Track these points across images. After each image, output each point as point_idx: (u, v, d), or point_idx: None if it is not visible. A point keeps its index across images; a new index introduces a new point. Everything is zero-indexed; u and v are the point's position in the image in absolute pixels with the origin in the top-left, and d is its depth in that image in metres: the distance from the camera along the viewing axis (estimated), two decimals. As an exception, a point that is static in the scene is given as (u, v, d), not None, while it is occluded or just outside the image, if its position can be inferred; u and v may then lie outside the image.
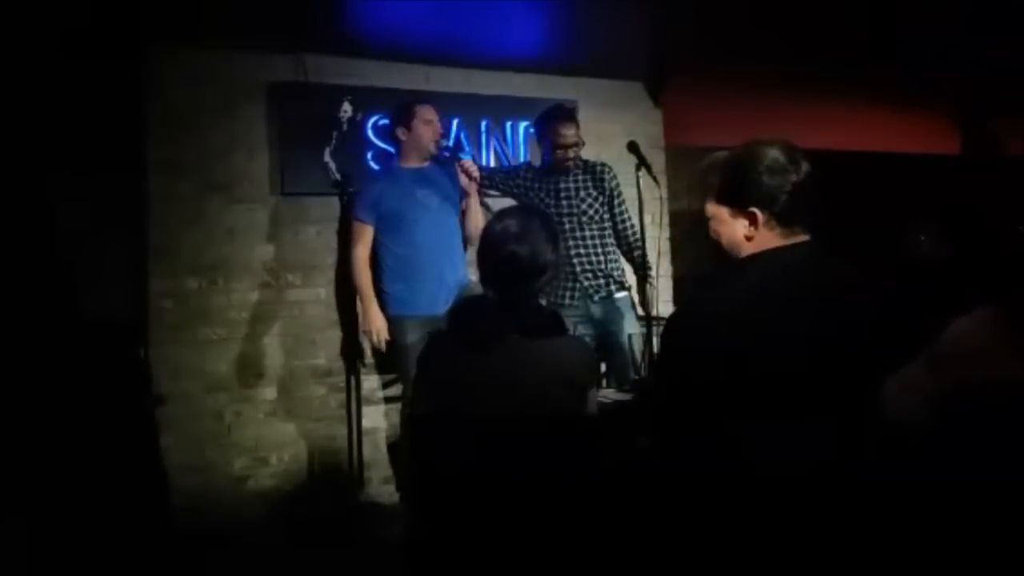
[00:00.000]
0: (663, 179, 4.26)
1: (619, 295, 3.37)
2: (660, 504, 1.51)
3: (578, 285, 3.32)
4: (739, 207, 1.49)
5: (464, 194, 3.38)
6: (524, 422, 1.66)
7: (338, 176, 3.58)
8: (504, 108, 4.03)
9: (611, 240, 3.43)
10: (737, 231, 1.50)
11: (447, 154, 3.39)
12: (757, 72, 4.07)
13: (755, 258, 1.47)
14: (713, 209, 1.54)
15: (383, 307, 3.27)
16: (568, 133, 3.32)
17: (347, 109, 3.66)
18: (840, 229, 2.87)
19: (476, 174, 3.25)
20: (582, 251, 3.34)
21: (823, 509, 1.32)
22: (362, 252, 3.29)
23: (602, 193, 3.40)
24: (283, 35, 3.49)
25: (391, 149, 3.71)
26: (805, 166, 1.46)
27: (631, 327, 3.29)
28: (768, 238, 1.47)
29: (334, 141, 3.64)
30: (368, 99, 3.70)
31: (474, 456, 1.68)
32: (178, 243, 3.42)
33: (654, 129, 4.38)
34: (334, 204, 3.60)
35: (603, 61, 4.09)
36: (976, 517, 1.30)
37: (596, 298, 3.34)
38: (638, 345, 3.24)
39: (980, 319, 1.31)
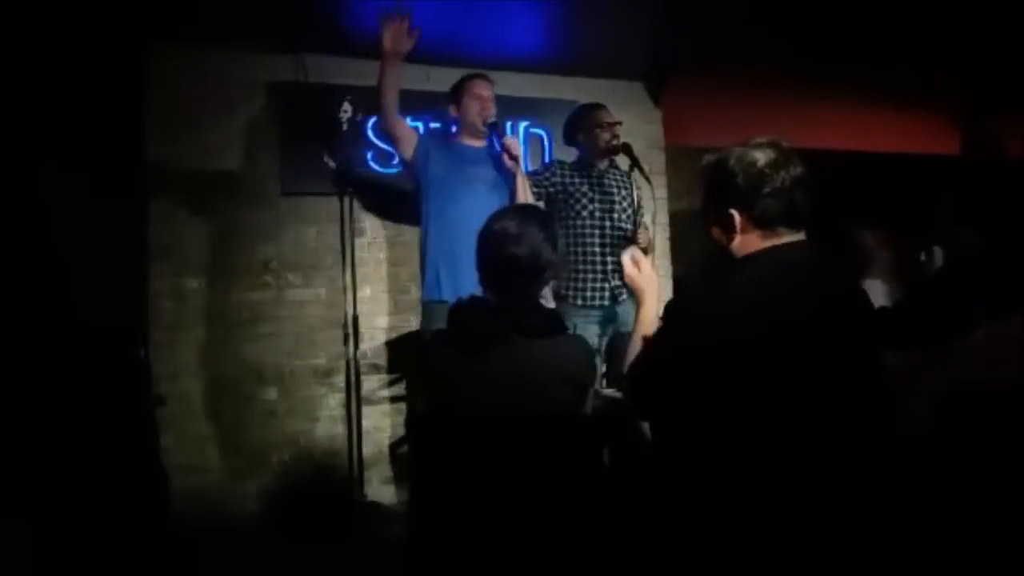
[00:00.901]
0: (663, 179, 4.26)
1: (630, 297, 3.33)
2: (660, 503, 1.51)
3: (607, 285, 3.23)
4: (718, 208, 1.50)
5: (510, 175, 3.11)
6: (526, 422, 1.66)
7: (338, 176, 3.58)
8: (504, 108, 4.02)
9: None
10: (718, 233, 1.52)
11: (490, 130, 3.14)
12: (757, 72, 4.07)
13: (752, 258, 1.48)
14: (703, 209, 1.56)
15: (426, 296, 3.08)
16: (608, 115, 3.34)
17: (347, 109, 3.66)
18: (839, 229, 2.87)
19: (517, 152, 3.03)
20: (616, 250, 3.22)
21: (822, 508, 1.32)
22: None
23: (632, 195, 3.36)
24: (283, 35, 3.49)
25: (391, 149, 3.70)
26: (792, 169, 1.45)
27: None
28: (749, 239, 1.48)
29: (334, 141, 3.64)
30: (368, 99, 3.69)
31: (476, 456, 1.68)
32: (178, 243, 3.42)
33: (654, 129, 4.38)
34: (334, 204, 3.61)
35: (603, 61, 4.09)
36: (976, 517, 1.31)
37: (620, 299, 3.24)
38: None
39: (1007, 325, 1.32)
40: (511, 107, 4.04)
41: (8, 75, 2.99)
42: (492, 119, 3.10)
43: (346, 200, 3.57)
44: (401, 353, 3.76)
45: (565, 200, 3.28)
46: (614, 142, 3.29)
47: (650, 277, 1.73)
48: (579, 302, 3.22)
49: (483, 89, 3.15)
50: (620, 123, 3.36)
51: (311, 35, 3.51)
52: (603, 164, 3.34)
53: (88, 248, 3.19)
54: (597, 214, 3.24)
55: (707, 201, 1.54)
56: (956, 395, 1.42)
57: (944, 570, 1.38)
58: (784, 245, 1.46)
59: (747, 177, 1.45)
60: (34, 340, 2.88)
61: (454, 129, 3.30)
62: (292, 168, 3.60)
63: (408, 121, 3.22)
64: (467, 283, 2.84)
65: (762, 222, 1.46)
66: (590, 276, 3.23)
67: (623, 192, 3.34)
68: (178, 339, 3.39)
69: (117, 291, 3.26)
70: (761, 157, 1.45)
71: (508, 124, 4.05)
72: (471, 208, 2.94)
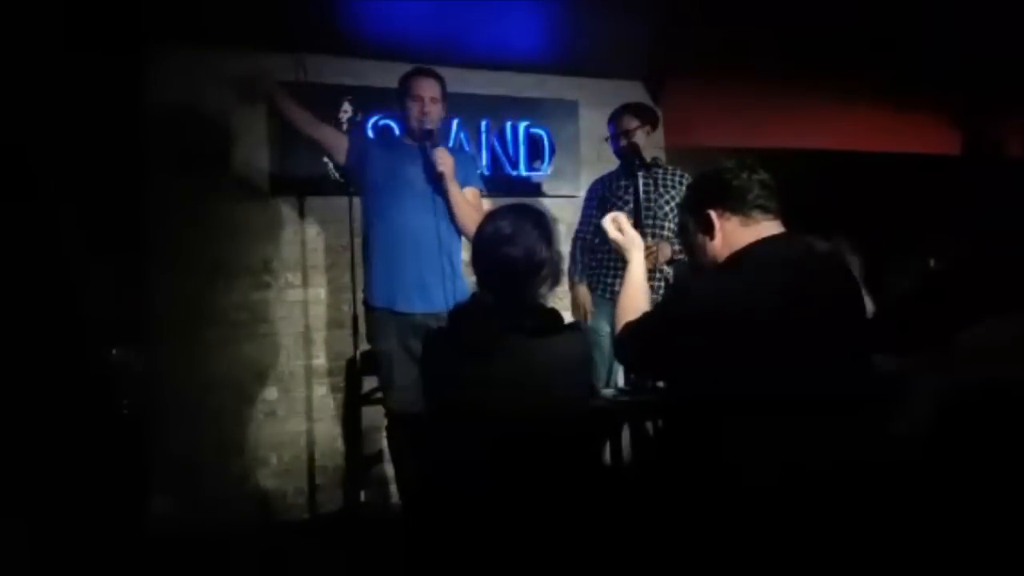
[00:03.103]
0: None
1: None
2: (663, 501, 1.51)
3: None
4: (697, 218, 1.62)
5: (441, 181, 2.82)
6: (526, 421, 1.66)
7: (338, 176, 3.58)
8: (504, 108, 4.04)
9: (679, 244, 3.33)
10: (703, 240, 1.62)
11: (425, 138, 2.84)
12: (757, 72, 4.07)
13: (746, 253, 1.50)
14: (684, 232, 1.71)
15: (365, 300, 2.90)
16: (628, 119, 3.33)
17: (347, 109, 3.66)
18: (839, 229, 2.87)
19: (441, 168, 2.76)
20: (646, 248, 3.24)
21: (820, 508, 1.32)
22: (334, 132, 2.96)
23: (676, 197, 3.31)
24: (283, 35, 3.49)
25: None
26: (757, 171, 1.59)
27: None
28: (731, 231, 1.57)
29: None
30: (368, 99, 3.70)
31: (480, 457, 1.68)
32: (178, 243, 3.42)
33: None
34: (334, 204, 3.61)
35: (603, 61, 4.09)
36: (975, 518, 1.31)
37: None
38: None
39: (1005, 325, 1.32)
40: (511, 107, 4.05)
41: (8, 74, 2.99)
42: (429, 126, 2.84)
43: (346, 200, 3.57)
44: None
45: (607, 207, 3.26)
46: (628, 150, 3.26)
47: (632, 237, 1.89)
48: (608, 296, 3.30)
49: (423, 89, 2.84)
50: (641, 128, 3.32)
51: (311, 35, 3.51)
52: (630, 158, 3.33)
53: (87, 248, 3.19)
54: (628, 216, 3.24)
55: (687, 218, 1.67)
56: (955, 395, 1.42)
57: (943, 571, 1.38)
58: (772, 238, 1.53)
59: (717, 178, 1.61)
60: (32, 341, 2.87)
61: (399, 129, 3.16)
62: (292, 168, 3.60)
63: (332, 128, 2.98)
64: (407, 288, 2.75)
65: (736, 208, 1.57)
66: (621, 274, 3.24)
67: (660, 191, 3.34)
68: (178, 339, 3.39)
69: (117, 291, 3.26)
70: (727, 164, 1.62)
71: (508, 124, 4.05)
72: (411, 208, 2.80)
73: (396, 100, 2.94)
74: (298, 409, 3.61)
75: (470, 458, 1.69)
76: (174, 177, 3.43)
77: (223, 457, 3.44)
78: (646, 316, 1.64)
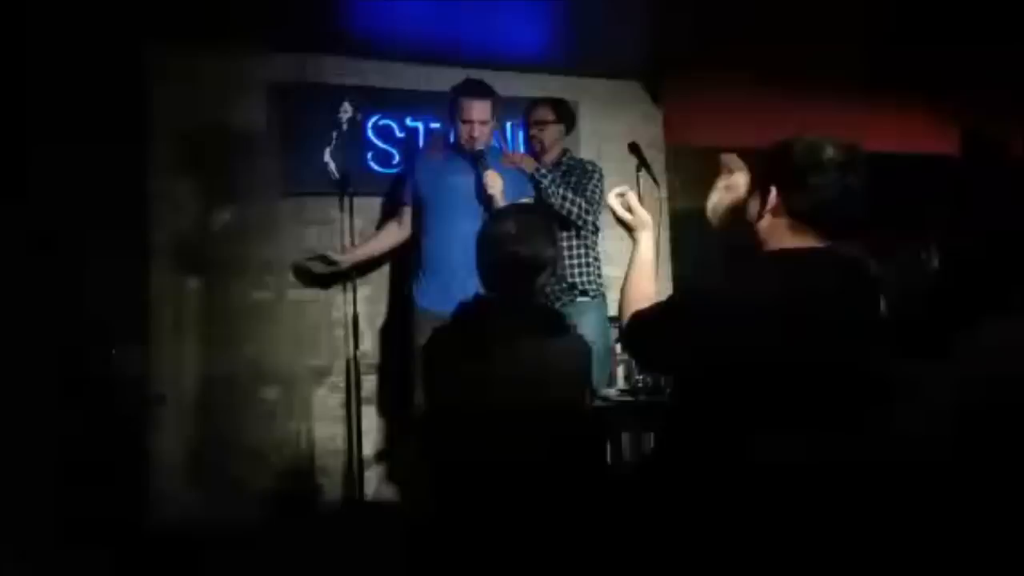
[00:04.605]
0: (663, 179, 4.26)
1: (580, 299, 3.25)
2: (664, 501, 1.51)
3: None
4: (764, 182, 1.46)
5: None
6: (530, 420, 1.66)
7: (338, 176, 3.58)
8: (504, 108, 4.02)
9: (585, 245, 3.30)
10: (753, 208, 1.48)
11: (475, 160, 3.00)
12: (757, 72, 4.07)
13: (775, 257, 1.45)
14: (754, 183, 1.53)
15: (412, 298, 3.11)
16: (545, 111, 3.34)
17: (347, 109, 3.66)
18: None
19: (492, 191, 2.89)
20: None
21: (823, 510, 1.32)
22: (392, 227, 3.22)
23: (579, 191, 3.23)
24: (283, 35, 3.50)
25: (392, 149, 3.73)
26: (851, 177, 1.41)
27: (591, 332, 3.15)
28: (776, 227, 1.44)
29: (334, 141, 3.64)
30: (368, 99, 3.70)
31: (483, 457, 1.68)
32: (178, 243, 3.42)
33: (654, 129, 4.37)
34: (334, 204, 3.61)
35: (602, 61, 4.09)
36: (985, 517, 1.31)
37: (557, 306, 3.16)
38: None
39: (1007, 323, 1.31)
40: (511, 107, 4.04)
41: (8, 74, 2.99)
42: (480, 147, 2.97)
43: (346, 200, 3.57)
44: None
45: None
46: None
47: (643, 217, 1.67)
48: None
49: (473, 113, 2.97)
50: (551, 120, 3.34)
51: (311, 35, 3.51)
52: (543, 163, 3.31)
53: (88, 248, 3.19)
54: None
55: (759, 174, 1.50)
56: (955, 396, 1.42)
57: (946, 570, 1.38)
58: (808, 250, 1.42)
59: (803, 161, 1.42)
60: (32, 341, 2.88)
61: (452, 137, 3.21)
62: (292, 168, 3.61)
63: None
64: (457, 296, 2.76)
65: (794, 212, 1.42)
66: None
67: (552, 189, 3.20)
68: (178, 339, 3.39)
69: (117, 291, 3.26)
70: (829, 151, 1.43)
71: (508, 126, 4.05)
72: (462, 221, 2.84)
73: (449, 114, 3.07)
74: (298, 409, 3.61)
75: (473, 457, 1.69)
76: (174, 177, 3.43)
77: (223, 457, 3.44)
78: (656, 308, 1.50)
